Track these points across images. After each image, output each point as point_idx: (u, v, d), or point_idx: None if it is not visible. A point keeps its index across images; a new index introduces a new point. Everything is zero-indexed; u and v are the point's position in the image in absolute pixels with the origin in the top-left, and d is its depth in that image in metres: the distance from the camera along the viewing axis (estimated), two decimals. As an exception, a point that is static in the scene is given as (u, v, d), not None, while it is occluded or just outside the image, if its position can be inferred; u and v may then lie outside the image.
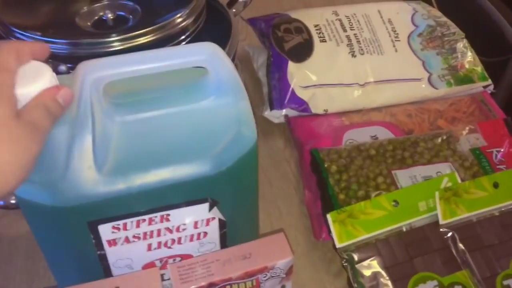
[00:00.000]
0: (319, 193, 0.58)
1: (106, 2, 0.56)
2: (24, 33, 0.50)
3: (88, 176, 0.35)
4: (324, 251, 0.57)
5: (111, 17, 0.55)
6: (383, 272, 0.50)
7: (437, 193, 0.52)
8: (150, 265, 0.42)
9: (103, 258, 0.39)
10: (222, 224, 0.41)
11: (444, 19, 0.74)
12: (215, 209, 0.39)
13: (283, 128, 0.69)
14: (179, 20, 0.54)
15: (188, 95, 0.38)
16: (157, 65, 0.36)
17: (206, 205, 0.39)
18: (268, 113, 0.67)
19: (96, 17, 0.55)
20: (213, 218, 0.40)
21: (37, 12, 0.54)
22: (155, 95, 0.38)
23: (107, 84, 0.36)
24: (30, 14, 0.54)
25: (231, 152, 0.37)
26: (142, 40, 0.52)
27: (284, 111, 0.67)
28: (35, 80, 0.33)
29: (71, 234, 0.37)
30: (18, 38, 0.51)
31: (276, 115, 0.68)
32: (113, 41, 0.51)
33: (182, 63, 0.36)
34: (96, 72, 0.35)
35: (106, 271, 0.41)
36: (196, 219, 0.39)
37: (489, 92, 0.71)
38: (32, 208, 0.36)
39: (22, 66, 0.33)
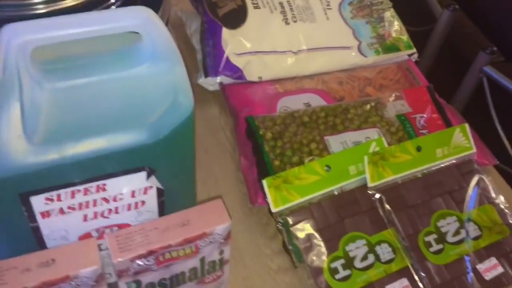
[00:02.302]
0: (255, 160, 0.59)
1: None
2: None
3: (17, 146, 0.33)
4: (260, 216, 0.58)
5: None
6: (316, 234, 0.52)
7: (365, 158, 0.55)
8: (86, 236, 0.41)
9: (37, 231, 0.38)
10: (160, 193, 0.41)
11: (373, -12, 0.76)
12: (152, 177, 0.39)
13: (218, 95, 0.69)
14: (109, -18, 0.51)
15: (121, 61, 0.37)
16: (88, 30, 0.34)
17: (143, 174, 0.38)
18: (202, 81, 0.67)
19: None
20: (151, 187, 0.40)
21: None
22: (87, 61, 0.37)
23: (35, 50, 0.34)
24: None
25: (168, 120, 0.37)
26: (69, 2, 0.50)
27: (219, 79, 0.67)
28: None
29: (1, 206, 0.36)
30: None
31: (211, 83, 0.68)
32: (36, 3, 0.48)
33: (115, 28, 0.35)
34: (23, 36, 0.33)
35: (40, 244, 0.39)
36: (133, 188, 0.39)
37: (414, 60, 0.74)
38: (-44, 181, 0.34)
39: None
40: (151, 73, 0.37)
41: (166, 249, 0.39)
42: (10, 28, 0.33)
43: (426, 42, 0.90)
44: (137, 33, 0.37)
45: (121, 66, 0.37)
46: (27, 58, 0.34)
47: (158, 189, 0.40)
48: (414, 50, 0.73)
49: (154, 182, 0.39)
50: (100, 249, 0.42)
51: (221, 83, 0.67)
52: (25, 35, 0.33)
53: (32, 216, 0.37)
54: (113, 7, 0.52)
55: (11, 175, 0.34)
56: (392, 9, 0.74)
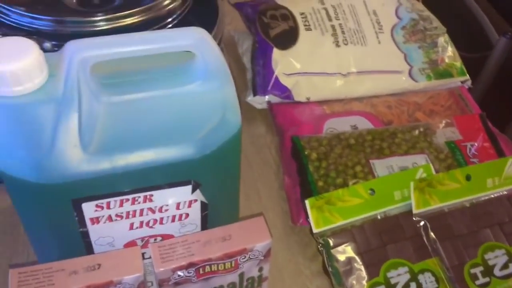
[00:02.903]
0: (299, 179, 0.59)
1: (93, -20, 0.56)
2: (10, 8, 0.50)
3: (73, 155, 0.35)
4: (301, 236, 0.58)
5: (96, -5, 0.55)
6: (357, 258, 0.52)
7: (412, 183, 0.54)
8: (131, 244, 0.42)
9: (85, 236, 0.40)
10: (204, 206, 0.42)
11: (427, 13, 0.76)
12: (197, 191, 0.40)
13: (266, 114, 0.70)
14: (166, 2, 0.54)
15: (175, 79, 0.39)
16: (145, 48, 0.36)
17: (189, 187, 0.39)
18: (251, 99, 0.68)
19: (81, -5, 0.55)
20: (195, 200, 0.41)
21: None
22: (142, 77, 0.39)
23: (94, 65, 0.37)
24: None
25: (216, 137, 0.38)
26: (128, 21, 0.52)
27: (267, 97, 0.68)
28: (22, 56, 0.33)
29: (54, 211, 0.38)
30: (2, 13, 0.50)
31: (259, 101, 0.69)
32: (98, 21, 0.51)
33: (170, 47, 0.37)
34: (84, 52, 0.35)
35: (88, 249, 0.41)
36: (178, 201, 0.40)
37: (467, 87, 0.73)
38: (16, 184, 0.37)
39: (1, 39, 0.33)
40: (202, 90, 0.39)
41: (207, 262, 0.40)
42: (73, 44, 0.35)
43: (481, 69, 0.88)
44: (191, 52, 0.38)
45: (174, 83, 0.39)
46: (87, 72, 0.36)
47: (202, 203, 0.41)
48: (467, 77, 0.72)
49: (198, 196, 0.40)
50: (144, 258, 0.43)
51: (269, 102, 0.68)
52: (87, 51, 0.35)
53: (82, 222, 0.39)
54: (169, 26, 0.55)
55: (65, 182, 0.36)
56: (446, 35, 0.73)
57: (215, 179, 0.40)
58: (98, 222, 0.39)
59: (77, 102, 0.35)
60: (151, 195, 0.39)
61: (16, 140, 0.35)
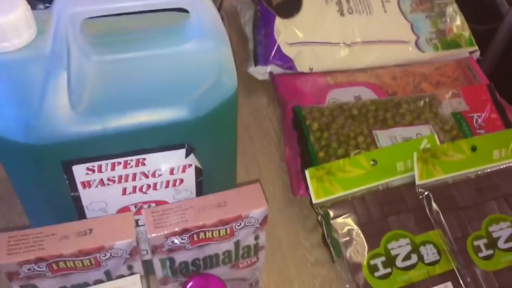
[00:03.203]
0: (299, 150, 0.58)
1: None
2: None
3: (62, 114, 0.34)
4: (301, 207, 0.57)
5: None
6: (357, 229, 0.51)
7: (415, 154, 0.52)
8: (124, 210, 0.41)
9: (77, 200, 0.39)
10: (198, 172, 0.41)
11: (435, -18, 0.73)
12: (191, 155, 0.39)
13: (267, 85, 0.69)
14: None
15: (169, 38, 0.37)
16: (138, 3, 0.35)
17: (182, 151, 0.38)
18: (252, 69, 0.67)
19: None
20: (190, 165, 0.40)
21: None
22: (136, 37, 0.37)
23: (86, 22, 0.35)
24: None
25: (210, 98, 0.37)
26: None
27: (269, 68, 0.66)
28: (8, 10, 0.32)
29: (44, 174, 0.37)
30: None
31: (261, 72, 0.67)
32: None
33: (164, 3, 0.35)
34: (73, 7, 0.34)
35: (80, 214, 0.40)
36: (172, 165, 0.39)
37: (475, 58, 0.71)
38: (5, 146, 0.35)
39: None
40: (197, 51, 0.37)
41: (201, 228, 0.39)
42: (62, 0, 0.34)
43: (490, 40, 0.85)
44: (186, 12, 0.37)
45: (168, 42, 0.37)
46: (77, 29, 0.34)
47: (197, 168, 0.40)
48: (476, 47, 0.70)
49: (193, 160, 0.39)
50: (138, 225, 0.42)
51: (270, 73, 0.67)
52: (76, 6, 0.34)
53: (73, 185, 0.38)
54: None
55: (55, 143, 0.35)
56: (454, 4, 0.71)
57: (210, 143, 0.39)
58: (89, 186, 0.38)
59: (66, 60, 0.34)
60: (144, 159, 0.38)
61: (3, 99, 0.34)
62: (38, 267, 0.37)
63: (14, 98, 0.34)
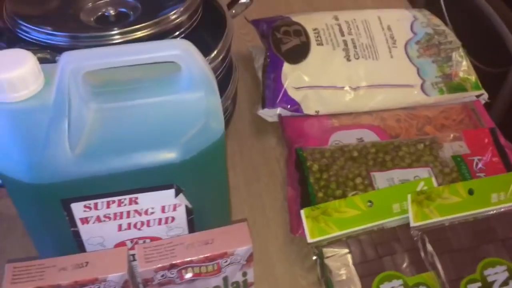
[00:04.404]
0: (300, 190, 0.60)
1: (109, 0, 0.60)
2: (28, 25, 0.54)
3: (62, 157, 0.38)
4: (300, 246, 0.59)
5: (113, 13, 0.59)
6: (351, 268, 0.52)
7: (409, 196, 0.54)
8: (121, 245, 0.45)
9: (77, 235, 0.43)
10: (189, 211, 0.44)
11: (443, 27, 0.75)
12: (181, 195, 0.42)
13: (277, 127, 0.72)
14: (174, 16, 0.57)
15: (161, 88, 0.41)
16: (132, 58, 0.39)
17: (172, 191, 0.41)
18: (261, 112, 0.70)
19: (99, 13, 0.59)
20: (180, 205, 0.43)
21: (43, 6, 0.58)
22: (131, 86, 0.41)
23: (90, 74, 0.40)
24: (37, 7, 0.58)
25: (197, 143, 0.40)
26: (139, 34, 0.55)
27: (278, 110, 0.70)
28: (18, 65, 0.37)
29: (47, 210, 0.41)
30: (22, 30, 0.55)
31: (270, 114, 0.70)
32: (110, 35, 0.55)
33: (155, 58, 0.39)
34: (75, 62, 0.38)
35: (80, 247, 0.44)
36: (163, 204, 0.42)
37: (483, 101, 0.71)
38: (13, 185, 0.40)
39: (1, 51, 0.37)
40: (186, 100, 0.41)
41: (188, 264, 0.42)
42: (66, 55, 0.39)
43: (502, 84, 0.86)
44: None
45: (160, 92, 0.41)
46: (78, 81, 0.39)
47: (187, 207, 0.43)
48: (482, 91, 0.71)
49: (182, 200, 0.42)
50: (134, 259, 0.45)
51: (279, 115, 0.70)
52: (78, 61, 0.38)
53: (72, 221, 0.42)
54: (178, 38, 0.58)
55: (55, 182, 0.39)
56: (461, 49, 0.73)
57: (198, 184, 0.42)
58: (87, 222, 0.42)
59: (67, 108, 0.38)
60: (136, 198, 0.41)
61: (12, 143, 0.39)
62: (39, 296, 0.41)
63: (20, 143, 0.38)
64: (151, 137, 0.40)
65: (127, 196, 0.41)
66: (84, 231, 0.42)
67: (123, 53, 0.39)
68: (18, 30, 0.55)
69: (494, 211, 0.56)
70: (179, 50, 0.39)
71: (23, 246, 0.58)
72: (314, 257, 0.53)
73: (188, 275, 0.42)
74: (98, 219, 0.42)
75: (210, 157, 0.42)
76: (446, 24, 0.78)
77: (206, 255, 0.42)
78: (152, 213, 0.43)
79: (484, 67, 0.72)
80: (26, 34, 0.55)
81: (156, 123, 0.40)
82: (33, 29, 0.55)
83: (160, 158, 0.39)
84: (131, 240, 0.45)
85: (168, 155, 0.40)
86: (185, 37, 0.58)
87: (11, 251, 0.58)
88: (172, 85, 0.41)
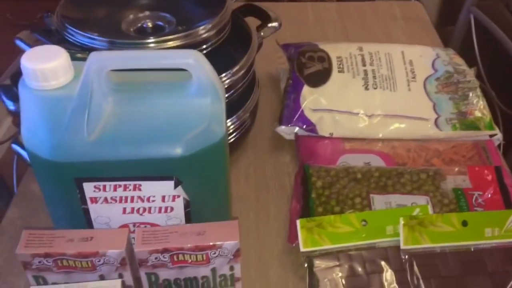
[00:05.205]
0: (302, 204, 0.64)
1: (149, 13, 0.67)
2: (73, 29, 0.61)
3: (79, 141, 0.44)
4: (298, 256, 0.62)
5: (150, 25, 0.65)
6: (338, 281, 0.55)
7: (401, 219, 0.56)
8: (124, 227, 0.50)
9: (87, 212, 0.48)
10: (186, 203, 0.48)
11: (463, 67, 0.78)
12: (179, 187, 0.47)
13: (293, 145, 0.76)
14: (202, 31, 0.62)
15: (172, 92, 0.47)
16: (149, 62, 0.44)
17: (172, 182, 0.46)
18: (279, 129, 0.74)
19: (139, 24, 0.66)
20: (178, 196, 0.47)
21: (91, 14, 0.66)
22: (147, 88, 0.47)
23: (113, 73, 0.45)
24: (84, 14, 0.65)
25: (198, 141, 0.45)
26: (169, 45, 0.61)
27: (296, 129, 0.74)
28: (52, 59, 0.43)
29: (62, 187, 0.47)
30: (69, 33, 0.62)
31: (288, 132, 0.74)
32: (142, 43, 0.61)
33: (169, 64, 0.45)
34: (100, 61, 0.44)
35: (89, 224, 0.49)
36: (163, 194, 0.47)
37: (498, 142, 0.73)
38: (37, 161, 0.46)
39: (40, 46, 0.43)
40: (194, 103, 0.46)
41: (180, 250, 0.46)
42: (94, 55, 0.45)
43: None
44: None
45: (171, 95, 0.46)
46: (102, 78, 0.45)
47: (185, 200, 0.48)
48: (496, 131, 0.72)
49: (181, 192, 0.47)
50: (134, 242, 0.50)
51: (296, 134, 0.74)
52: (103, 61, 0.44)
53: (83, 199, 0.47)
54: (204, 51, 0.63)
55: (71, 161, 0.44)
56: (478, 89, 0.75)
57: (196, 180, 0.47)
58: (96, 201, 0.47)
59: (88, 100, 0.44)
60: (140, 185, 0.46)
61: (39, 125, 0.45)
62: (46, 261, 0.46)
63: (46, 125, 0.44)
64: (158, 132, 0.45)
65: (132, 182, 0.46)
66: (93, 209, 0.48)
67: (142, 57, 0.45)
68: (65, 33, 0.62)
69: (486, 245, 0.57)
70: (191, 59, 0.45)
71: (48, 223, 0.64)
72: (306, 265, 0.56)
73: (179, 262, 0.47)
74: (105, 200, 0.47)
75: (210, 156, 0.46)
76: (477, 63, 0.80)
77: (196, 245, 0.46)
78: (153, 200, 0.48)
79: (507, 109, 0.74)
80: (72, 37, 0.62)
81: (164, 121, 0.46)
82: (78, 33, 0.62)
83: (164, 151, 0.45)
84: (134, 224, 0.50)
85: (171, 150, 0.45)
86: (211, 51, 0.64)
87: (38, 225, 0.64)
88: (182, 90, 0.47)
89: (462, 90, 0.75)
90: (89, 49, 0.61)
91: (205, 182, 0.48)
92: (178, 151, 0.45)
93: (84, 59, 0.57)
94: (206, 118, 0.46)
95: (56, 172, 0.46)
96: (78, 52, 0.59)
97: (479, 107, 0.74)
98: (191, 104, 0.46)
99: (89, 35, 0.61)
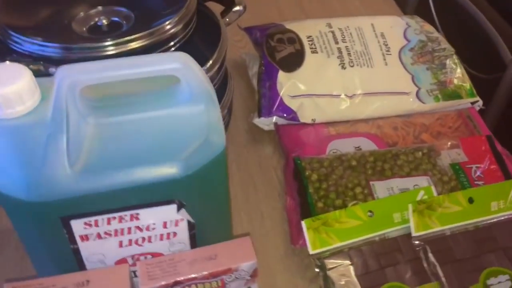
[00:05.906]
0: (299, 200, 0.59)
1: (102, 9, 0.59)
2: (20, 36, 0.53)
3: (61, 174, 0.37)
4: (301, 257, 0.58)
5: (106, 23, 0.58)
6: (354, 280, 0.51)
7: (410, 206, 0.53)
8: (122, 261, 0.44)
9: (77, 252, 0.42)
10: (191, 226, 0.43)
11: (436, 34, 0.76)
12: (182, 210, 0.41)
13: (273, 135, 0.71)
14: (169, 26, 0.56)
15: (160, 101, 0.40)
16: (130, 72, 0.38)
17: (174, 207, 0.41)
18: (257, 120, 0.69)
19: (92, 23, 0.58)
20: (182, 220, 0.42)
21: (35, 16, 0.57)
22: (130, 100, 0.40)
23: (87, 88, 0.39)
24: (28, 17, 0.57)
25: (199, 157, 0.39)
26: (133, 45, 0.54)
27: (274, 119, 0.69)
28: (14, 81, 0.36)
29: (45, 228, 0.40)
30: (14, 41, 0.53)
31: (266, 123, 0.70)
32: (104, 46, 0.53)
33: (154, 71, 0.38)
34: (72, 77, 0.37)
35: (80, 265, 0.43)
36: (165, 220, 0.41)
37: (478, 108, 0.72)
38: (10, 203, 0.39)
39: None
40: (187, 113, 0.40)
41: (192, 281, 0.41)
42: (63, 69, 0.38)
43: (495, 90, 0.86)
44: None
45: (159, 105, 0.40)
46: (76, 96, 0.38)
47: (189, 222, 0.42)
48: (477, 98, 0.71)
49: (184, 215, 0.41)
50: (135, 276, 0.44)
51: (275, 124, 0.69)
52: (75, 76, 0.37)
53: (72, 239, 0.40)
54: (173, 48, 0.57)
55: (54, 200, 0.38)
56: (454, 56, 0.73)
57: (200, 199, 0.41)
58: (87, 239, 0.41)
59: (65, 124, 0.37)
60: (137, 214, 0.40)
61: (9, 161, 0.37)
62: (38, 317, 0.39)
63: (17, 160, 0.37)
64: (152, 152, 0.39)
65: (128, 212, 0.40)
66: (84, 248, 0.41)
67: (121, 67, 0.38)
68: (10, 42, 0.54)
69: (494, 220, 0.56)
70: (178, 64, 0.39)
71: (17, 260, 0.56)
72: (317, 270, 0.52)
73: (191, 292, 0.41)
74: (98, 236, 0.41)
75: (212, 171, 0.41)
76: (437, 30, 0.79)
77: (210, 272, 0.41)
78: (153, 228, 0.42)
79: (477, 73, 0.73)
80: (18, 46, 0.53)
81: (156, 138, 0.39)
82: (25, 41, 0.53)
83: (161, 174, 0.39)
84: (132, 257, 0.44)
85: (170, 170, 0.39)
86: (180, 47, 0.58)
87: (5, 265, 0.56)
88: (171, 98, 0.41)
89: (439, 59, 0.73)
90: (42, 59, 0.53)
91: (209, 199, 0.43)
92: (177, 171, 0.39)
93: (39, 72, 0.50)
94: (204, 129, 0.40)
95: (36, 213, 0.39)
96: (31, 63, 0.51)
97: (458, 75, 0.72)
98: (184, 114, 0.40)
99: (38, 42, 0.53)
